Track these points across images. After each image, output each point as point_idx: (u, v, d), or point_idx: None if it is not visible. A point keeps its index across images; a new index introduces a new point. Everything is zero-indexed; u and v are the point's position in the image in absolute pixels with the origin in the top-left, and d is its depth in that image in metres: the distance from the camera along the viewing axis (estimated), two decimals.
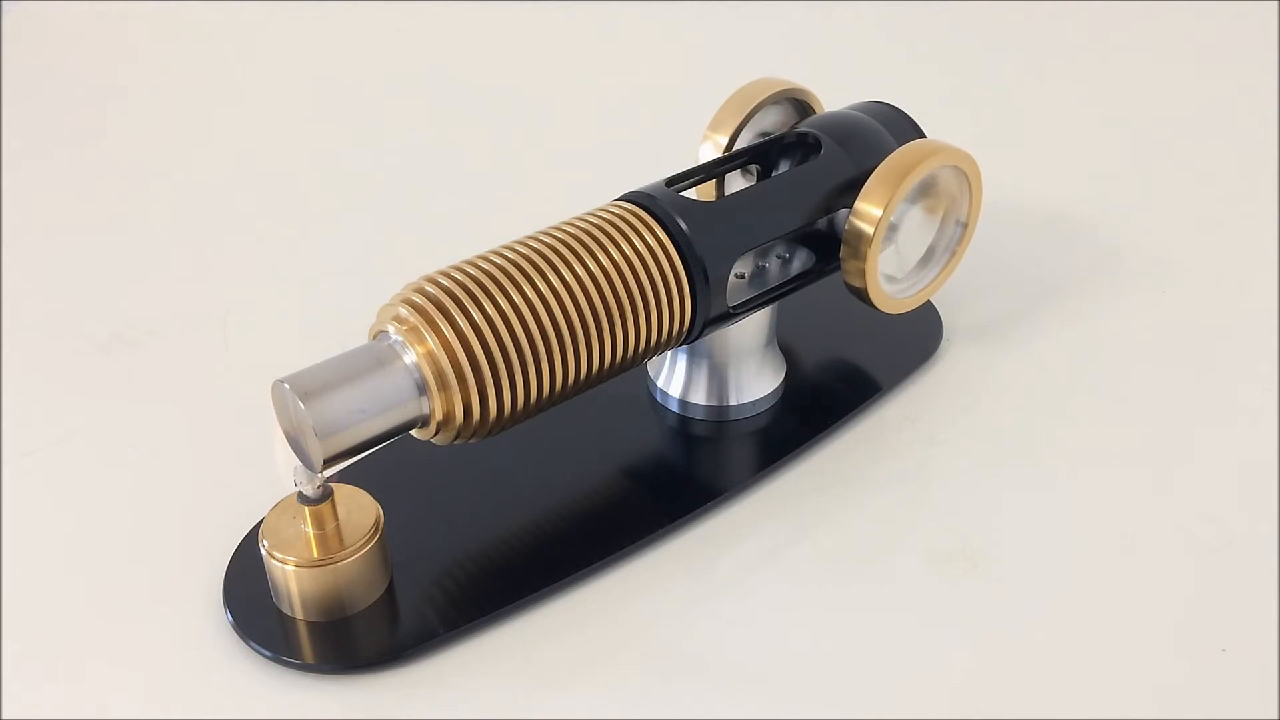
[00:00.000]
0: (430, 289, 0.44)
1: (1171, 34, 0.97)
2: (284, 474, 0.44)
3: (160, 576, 0.49)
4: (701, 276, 0.48)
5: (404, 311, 0.44)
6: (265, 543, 0.45)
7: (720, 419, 0.56)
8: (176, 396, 0.59)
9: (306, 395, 0.41)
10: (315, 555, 0.44)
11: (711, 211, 0.50)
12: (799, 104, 0.59)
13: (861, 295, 0.53)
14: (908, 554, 0.49)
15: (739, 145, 0.57)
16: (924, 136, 0.56)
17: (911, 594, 0.48)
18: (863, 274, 0.52)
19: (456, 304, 0.43)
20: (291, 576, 0.44)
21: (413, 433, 0.45)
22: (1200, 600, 0.47)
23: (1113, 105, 0.87)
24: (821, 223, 0.54)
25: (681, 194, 0.50)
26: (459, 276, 0.45)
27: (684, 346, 0.53)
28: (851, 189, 0.52)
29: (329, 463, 0.42)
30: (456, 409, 0.43)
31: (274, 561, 0.45)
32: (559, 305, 0.45)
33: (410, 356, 0.43)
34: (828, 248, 0.54)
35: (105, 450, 0.56)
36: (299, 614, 0.46)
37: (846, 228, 0.52)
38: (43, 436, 0.56)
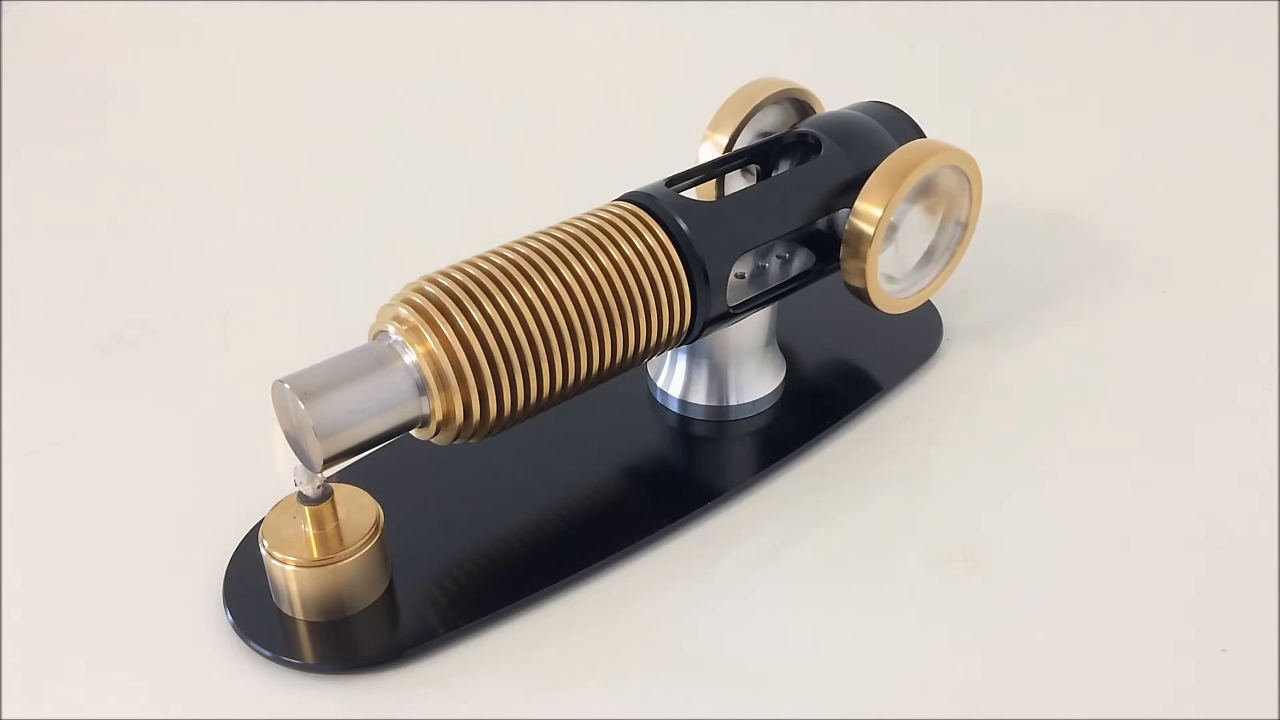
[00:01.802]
0: (430, 289, 0.44)
1: (1171, 34, 0.97)
2: (284, 474, 0.44)
3: (160, 576, 0.49)
4: (701, 276, 0.48)
5: (404, 311, 0.44)
6: (265, 543, 0.45)
7: (720, 419, 0.56)
8: (176, 396, 0.59)
9: (306, 395, 0.41)
10: (315, 555, 0.44)
11: (711, 211, 0.50)
12: (799, 104, 0.59)
13: (861, 295, 0.53)
14: (908, 554, 0.49)
15: (739, 145, 0.57)
16: (924, 136, 0.56)
17: (911, 594, 0.48)
18: (863, 274, 0.52)
19: (456, 304, 0.43)
20: (291, 576, 0.44)
21: (413, 433, 0.45)
22: (1200, 600, 0.47)
23: (1113, 105, 0.87)
24: (821, 223, 0.54)
25: (681, 194, 0.50)
26: (459, 276, 0.45)
27: (684, 346, 0.53)
28: (851, 189, 0.52)
29: (329, 463, 0.42)
30: (456, 409, 0.43)
31: (274, 561, 0.45)
32: (559, 305, 0.45)
33: (410, 356, 0.43)
34: (828, 248, 0.54)
35: (105, 450, 0.56)
36: (299, 614, 0.46)
37: (846, 228, 0.52)
38: (43, 436, 0.56)
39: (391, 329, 0.44)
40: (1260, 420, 0.56)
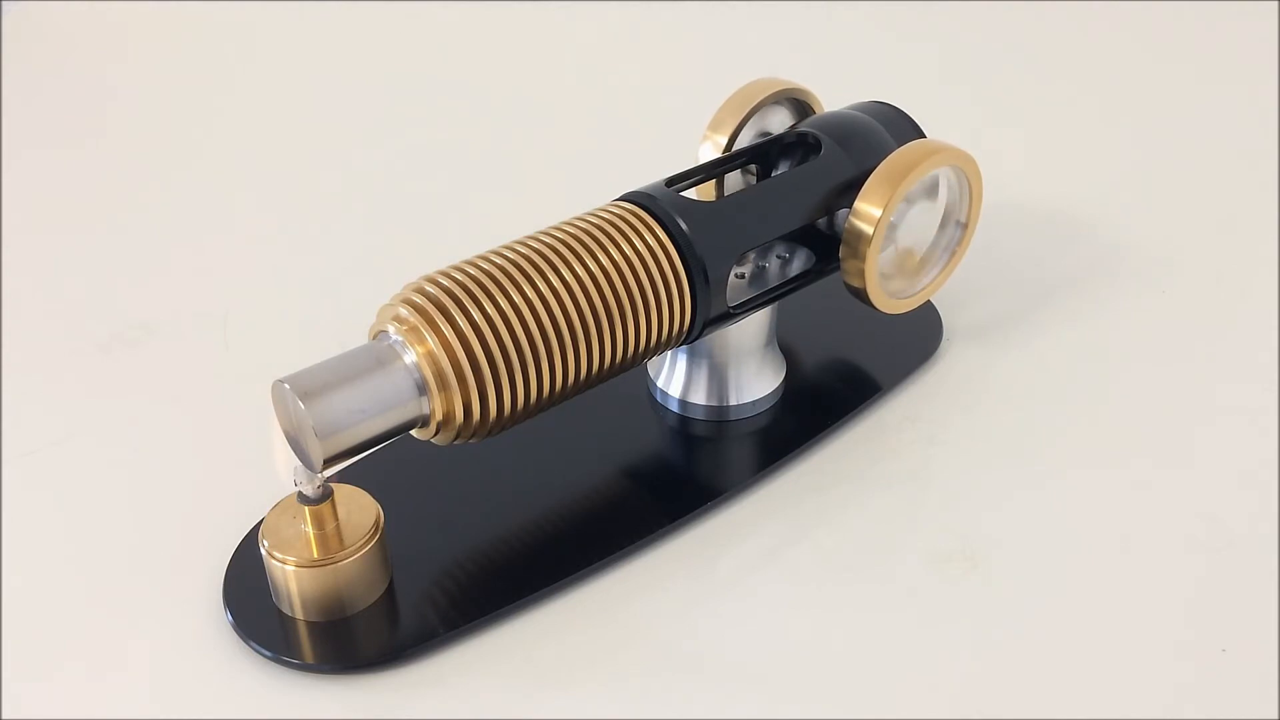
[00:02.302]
0: (430, 289, 0.44)
1: (1171, 34, 0.97)
2: (284, 474, 0.44)
3: (160, 576, 0.49)
4: (701, 276, 0.48)
5: (404, 311, 0.44)
6: (265, 543, 0.45)
7: (720, 419, 0.56)
8: (176, 396, 0.59)
9: (306, 395, 0.41)
10: (315, 555, 0.44)
11: (711, 211, 0.50)
12: (799, 104, 0.59)
13: (861, 295, 0.53)
14: (908, 554, 0.49)
15: (739, 145, 0.57)
16: (924, 136, 0.56)
17: (911, 594, 0.48)
18: (862, 274, 0.52)
19: (456, 304, 0.43)
20: (291, 576, 0.44)
21: (413, 433, 0.45)
22: (1200, 600, 0.47)
23: (1113, 105, 0.87)
24: (821, 223, 0.54)
25: (681, 194, 0.50)
26: (459, 276, 0.45)
27: (684, 346, 0.53)
28: (851, 189, 0.52)
29: (329, 463, 0.42)
30: (456, 409, 0.43)
31: (274, 561, 0.45)
32: (559, 305, 0.45)
33: (410, 356, 0.43)
34: (828, 248, 0.54)
35: (105, 450, 0.56)
36: (299, 614, 0.46)
37: (846, 228, 0.52)
38: (43, 436, 0.56)
39: (391, 329, 0.44)
40: (1260, 420, 0.56)
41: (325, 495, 0.44)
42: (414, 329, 0.43)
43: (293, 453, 0.43)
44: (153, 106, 0.90)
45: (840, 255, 0.52)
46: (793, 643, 0.46)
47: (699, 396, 0.55)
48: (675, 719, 0.43)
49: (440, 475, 0.52)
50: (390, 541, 0.47)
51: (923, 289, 0.56)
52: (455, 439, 0.45)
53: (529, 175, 0.79)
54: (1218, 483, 0.53)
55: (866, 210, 0.51)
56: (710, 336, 0.52)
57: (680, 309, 0.48)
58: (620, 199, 0.50)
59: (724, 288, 0.49)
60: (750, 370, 0.55)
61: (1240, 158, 0.79)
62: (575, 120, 0.87)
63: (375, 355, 0.43)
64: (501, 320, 0.44)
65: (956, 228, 0.56)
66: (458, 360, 0.43)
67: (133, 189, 0.79)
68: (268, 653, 0.45)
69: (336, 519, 0.45)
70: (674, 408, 0.56)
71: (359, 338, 0.45)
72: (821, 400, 0.57)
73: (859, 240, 0.51)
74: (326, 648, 0.45)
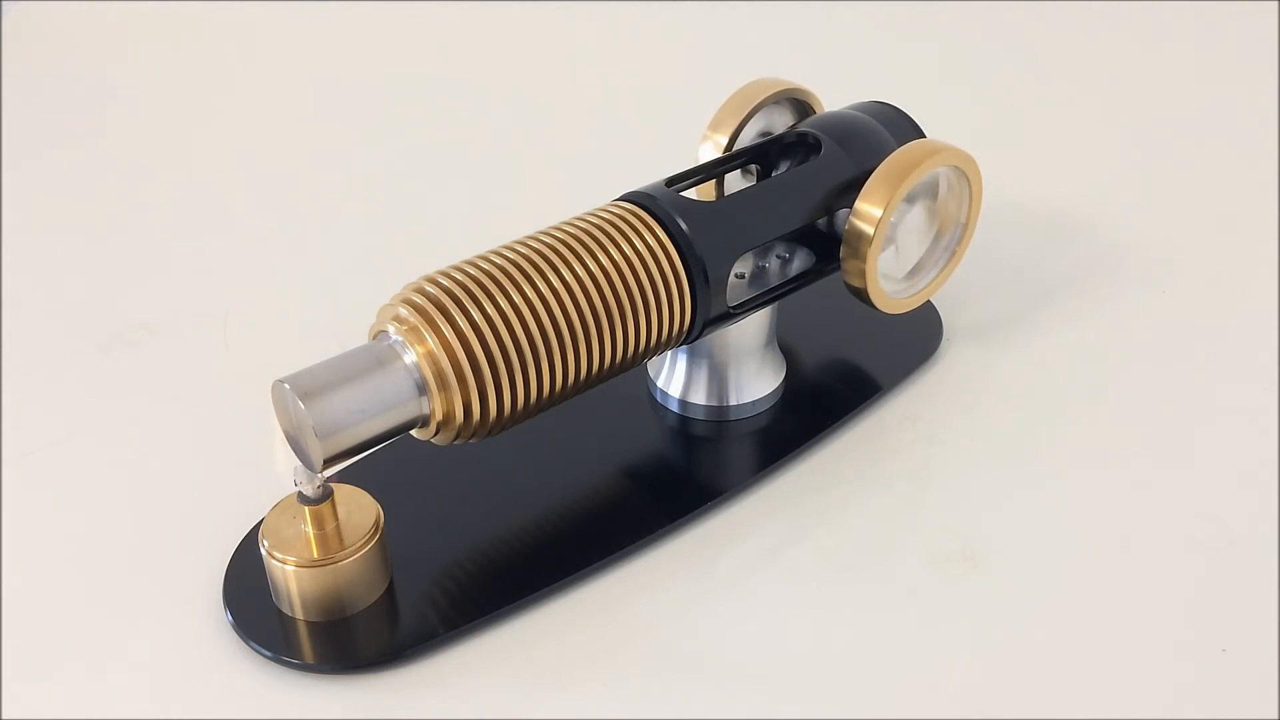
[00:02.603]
0: (430, 289, 0.44)
1: (1171, 34, 0.97)
2: (284, 474, 0.44)
3: (160, 576, 0.49)
4: (701, 276, 0.48)
5: (404, 311, 0.44)
6: (265, 543, 0.45)
7: (720, 419, 0.56)
8: (176, 396, 0.59)
9: (306, 395, 0.41)
10: (315, 555, 0.44)
11: (711, 211, 0.50)
12: (799, 104, 0.59)
13: (861, 295, 0.53)
14: (908, 554, 0.49)
15: (739, 145, 0.57)
16: (924, 137, 0.56)
17: (911, 594, 0.48)
18: (863, 274, 0.52)
19: (456, 304, 0.43)
20: (291, 576, 0.44)
21: (413, 433, 0.45)
22: (1200, 600, 0.47)
23: (1113, 105, 0.87)
24: (821, 223, 0.54)
25: (681, 194, 0.50)
26: (459, 276, 0.45)
27: (684, 346, 0.53)
28: (851, 189, 0.52)
29: (329, 463, 0.42)
30: (456, 409, 0.43)
31: (274, 561, 0.45)
32: (559, 305, 0.45)
33: (410, 356, 0.43)
34: (828, 248, 0.54)
35: (105, 450, 0.56)
36: (299, 614, 0.46)
37: (846, 228, 0.52)
38: (43, 436, 0.56)
39: (391, 329, 0.44)
40: (1260, 420, 0.56)
41: (325, 495, 0.44)
42: (414, 329, 0.43)
43: (293, 453, 0.43)
44: (153, 106, 0.90)
45: (840, 255, 0.52)
46: (793, 643, 0.46)
47: (699, 396, 0.55)
48: (675, 719, 0.43)
49: (440, 475, 0.52)
50: (390, 541, 0.47)
51: (923, 289, 0.56)
52: (455, 439, 0.45)
53: (529, 175, 0.79)
54: (1218, 483, 0.53)
55: (867, 210, 0.51)
56: (710, 336, 0.52)
57: (680, 309, 0.48)
58: (620, 199, 0.50)
59: (724, 288, 0.49)
60: (750, 370, 0.55)
61: (1240, 158, 0.79)
62: (575, 120, 0.87)
63: (375, 355, 0.43)
64: (501, 320, 0.44)
65: (956, 228, 0.56)
66: (458, 360, 0.43)
67: (133, 189, 0.79)
68: (268, 653, 0.45)
69: (336, 519, 0.45)
70: (674, 408, 0.56)
71: (359, 338, 0.46)
72: (821, 400, 0.57)
73: (859, 240, 0.51)
74: (326, 648, 0.45)
